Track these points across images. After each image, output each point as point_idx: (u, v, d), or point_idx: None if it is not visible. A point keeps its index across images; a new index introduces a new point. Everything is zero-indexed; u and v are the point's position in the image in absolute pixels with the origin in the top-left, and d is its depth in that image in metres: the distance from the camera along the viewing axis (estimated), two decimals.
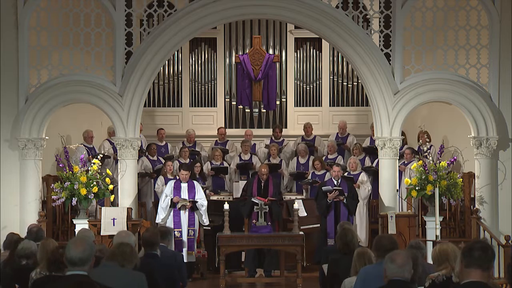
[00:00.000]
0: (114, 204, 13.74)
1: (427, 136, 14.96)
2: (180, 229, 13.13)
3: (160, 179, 14.81)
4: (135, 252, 6.14)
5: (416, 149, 15.25)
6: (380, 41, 14.19)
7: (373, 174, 15.20)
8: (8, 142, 13.84)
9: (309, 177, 15.46)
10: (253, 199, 13.24)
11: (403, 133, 14.73)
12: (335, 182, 13.56)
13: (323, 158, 15.92)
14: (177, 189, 13.26)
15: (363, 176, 15.03)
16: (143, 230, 11.54)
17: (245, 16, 14.97)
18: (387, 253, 5.96)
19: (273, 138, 16.82)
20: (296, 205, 12.89)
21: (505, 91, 14.04)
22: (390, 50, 14.14)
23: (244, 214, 13.57)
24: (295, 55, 17.75)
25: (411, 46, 14.21)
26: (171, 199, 13.16)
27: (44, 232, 9.97)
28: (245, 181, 14.45)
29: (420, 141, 15.13)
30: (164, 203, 13.22)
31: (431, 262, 7.07)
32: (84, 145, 15.32)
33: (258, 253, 13.42)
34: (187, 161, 15.48)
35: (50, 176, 14.62)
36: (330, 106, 17.72)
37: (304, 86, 17.77)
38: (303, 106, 17.76)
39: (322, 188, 13.50)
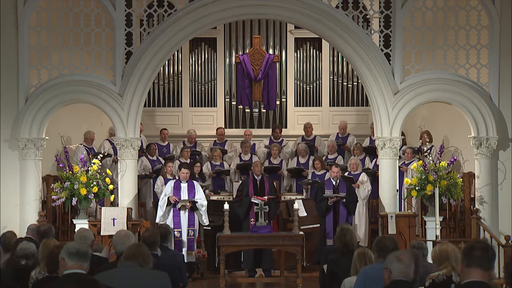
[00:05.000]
0: (114, 204, 13.74)
1: (428, 136, 14.97)
2: (180, 229, 13.12)
3: (160, 179, 14.80)
4: (151, 256, 6.19)
5: (417, 149, 15.25)
6: (380, 41, 14.19)
7: (372, 175, 15.20)
8: (8, 142, 13.84)
9: (309, 177, 15.45)
10: (252, 199, 13.23)
11: (403, 133, 14.72)
12: (334, 183, 13.56)
13: (323, 158, 15.92)
14: (177, 189, 13.25)
15: (363, 176, 15.02)
16: (143, 230, 11.53)
17: (245, 16, 14.97)
18: (389, 253, 5.95)
19: (272, 138, 16.80)
20: (296, 205, 12.88)
21: (505, 91, 14.05)
22: (390, 50, 14.14)
23: (241, 214, 13.47)
24: (295, 55, 17.74)
25: (411, 46, 14.21)
26: (168, 198, 13.16)
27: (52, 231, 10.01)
28: None
29: (421, 141, 15.13)
30: (161, 201, 13.24)
31: (431, 262, 7.08)
32: (84, 145, 15.32)
33: (256, 253, 13.40)
34: (188, 161, 15.47)
35: (50, 176, 14.63)
36: (330, 106, 17.70)
37: (304, 86, 17.75)
38: (303, 106, 17.74)
39: (324, 194, 13.46)
